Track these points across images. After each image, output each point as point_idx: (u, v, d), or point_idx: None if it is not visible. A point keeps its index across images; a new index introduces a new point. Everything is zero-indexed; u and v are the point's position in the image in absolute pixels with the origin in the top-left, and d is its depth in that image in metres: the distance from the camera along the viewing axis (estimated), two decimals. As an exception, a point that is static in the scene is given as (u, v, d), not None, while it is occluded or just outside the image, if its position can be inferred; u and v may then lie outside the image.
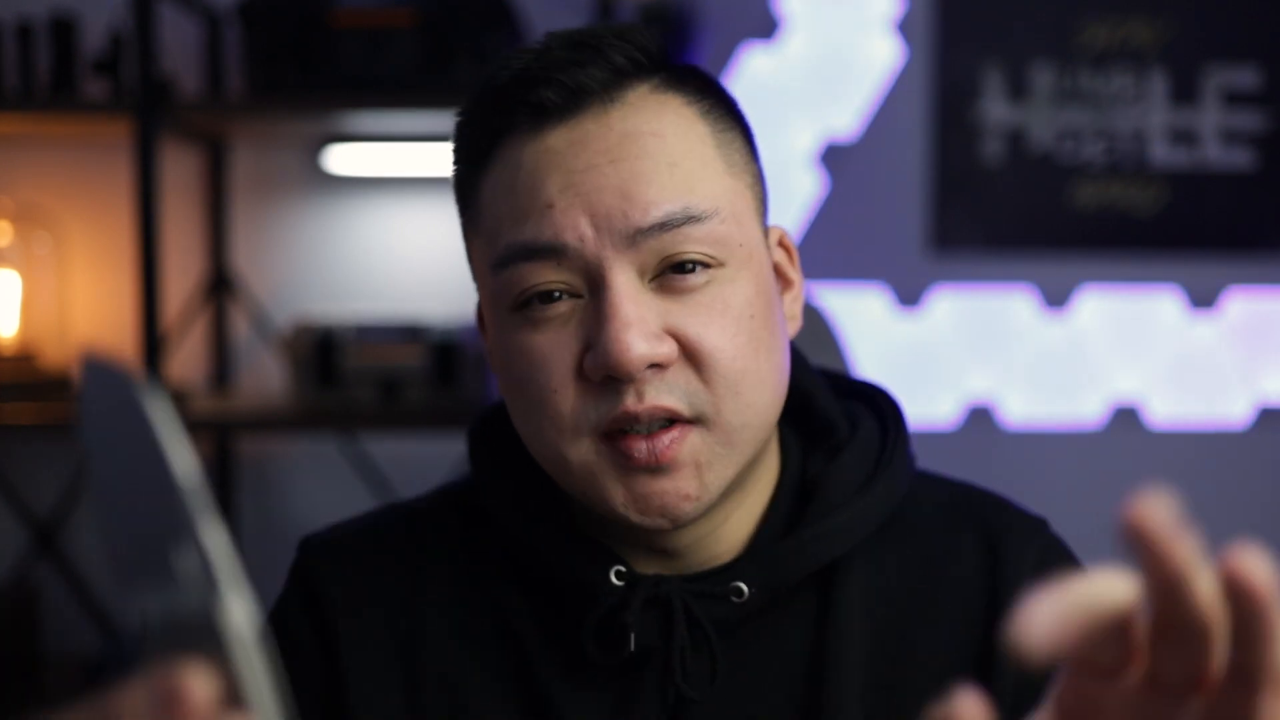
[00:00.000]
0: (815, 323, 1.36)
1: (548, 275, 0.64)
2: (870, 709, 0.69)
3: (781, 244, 0.73)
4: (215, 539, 0.32)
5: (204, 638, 0.32)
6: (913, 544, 0.73)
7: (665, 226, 0.64)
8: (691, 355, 0.64)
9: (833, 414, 0.75)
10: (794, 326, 0.73)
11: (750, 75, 2.05)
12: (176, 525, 0.31)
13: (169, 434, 0.31)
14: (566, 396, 0.65)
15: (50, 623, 2.05)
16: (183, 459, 0.31)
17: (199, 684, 0.33)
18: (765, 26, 2.05)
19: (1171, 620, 0.36)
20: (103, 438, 0.32)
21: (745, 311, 0.65)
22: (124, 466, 0.32)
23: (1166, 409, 2.09)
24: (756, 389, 0.65)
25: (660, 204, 0.64)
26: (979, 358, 2.09)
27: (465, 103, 0.70)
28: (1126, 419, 2.09)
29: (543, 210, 0.64)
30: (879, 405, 0.76)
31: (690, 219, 0.64)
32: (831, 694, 0.68)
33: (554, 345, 0.65)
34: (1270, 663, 0.36)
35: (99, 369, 0.31)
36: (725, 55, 2.05)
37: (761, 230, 0.70)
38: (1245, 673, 0.36)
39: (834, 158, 2.06)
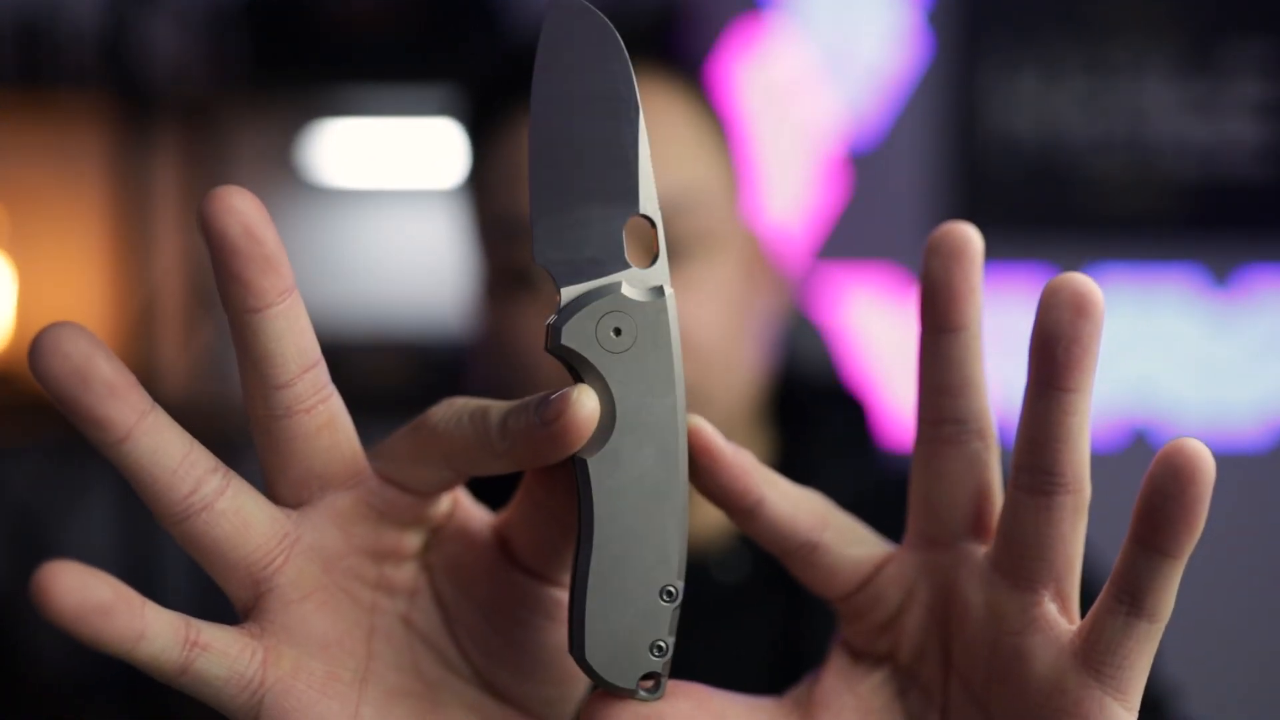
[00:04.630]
0: (807, 334, 1.34)
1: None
2: None
3: (759, 250, 0.77)
4: (655, 207, 0.32)
5: (624, 302, 0.31)
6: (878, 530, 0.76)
7: (663, 199, 0.66)
8: None
9: (803, 409, 0.78)
10: (767, 327, 0.76)
11: (755, 72, 2.02)
12: (613, 161, 0.31)
13: (626, 66, 0.31)
14: (543, 366, 0.66)
15: (49, 627, 2.04)
16: (634, 87, 0.31)
17: (589, 401, 0.31)
18: (757, 12, 2.01)
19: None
20: (556, 72, 0.32)
21: (729, 294, 0.69)
22: (573, 96, 0.32)
23: (1185, 428, 2.05)
24: (733, 368, 0.69)
25: (662, 178, 0.66)
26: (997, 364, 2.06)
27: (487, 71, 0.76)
28: (1140, 441, 2.04)
29: None
30: (849, 406, 0.80)
31: (688, 197, 0.67)
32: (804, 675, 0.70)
33: (538, 318, 0.67)
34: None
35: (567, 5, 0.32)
36: (715, 41, 2.01)
37: (747, 226, 0.74)
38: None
39: (850, 157, 2.03)
